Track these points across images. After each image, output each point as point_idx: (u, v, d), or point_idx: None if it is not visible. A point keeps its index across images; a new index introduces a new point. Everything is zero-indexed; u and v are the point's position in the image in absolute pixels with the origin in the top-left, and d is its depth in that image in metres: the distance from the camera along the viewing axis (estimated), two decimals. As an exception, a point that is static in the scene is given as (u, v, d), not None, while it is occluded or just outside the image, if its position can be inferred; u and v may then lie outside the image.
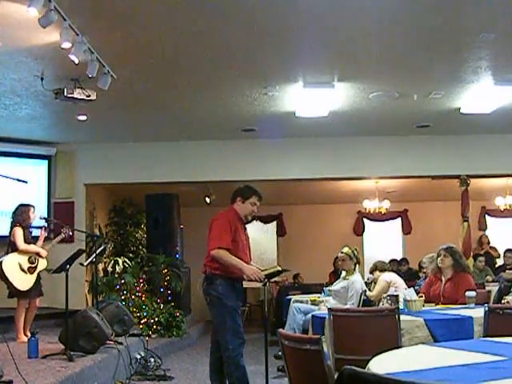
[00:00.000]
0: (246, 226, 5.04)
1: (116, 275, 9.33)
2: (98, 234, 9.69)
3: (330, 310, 4.33)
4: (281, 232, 14.10)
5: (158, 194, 10.23)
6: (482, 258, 9.79)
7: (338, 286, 6.52)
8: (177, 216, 10.55)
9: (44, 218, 7.25)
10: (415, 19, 5.02)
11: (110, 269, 9.71)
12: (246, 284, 5.02)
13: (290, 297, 8.19)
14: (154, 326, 8.26)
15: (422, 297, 5.03)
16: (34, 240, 6.71)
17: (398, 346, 3.83)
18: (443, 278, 5.56)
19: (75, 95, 6.09)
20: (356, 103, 7.37)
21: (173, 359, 7.59)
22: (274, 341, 5.86)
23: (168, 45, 5.48)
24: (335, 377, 1.98)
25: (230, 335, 4.71)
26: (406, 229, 14.04)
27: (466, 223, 9.28)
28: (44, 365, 5.06)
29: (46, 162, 9.14)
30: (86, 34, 4.92)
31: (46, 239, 6.84)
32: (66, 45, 4.78)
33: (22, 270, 6.43)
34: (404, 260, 11.68)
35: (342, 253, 6.49)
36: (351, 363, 1.78)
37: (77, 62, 5.03)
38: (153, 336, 7.99)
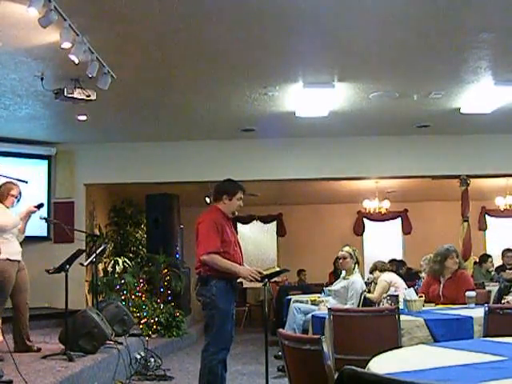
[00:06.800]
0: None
1: (116, 275, 9.32)
2: (97, 233, 9.69)
3: (330, 310, 4.33)
4: (281, 232, 14.09)
5: (158, 194, 10.22)
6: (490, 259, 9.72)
7: (337, 285, 6.53)
8: (177, 216, 10.54)
9: (44, 218, 7.23)
10: (415, 19, 5.02)
11: (110, 269, 9.71)
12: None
13: (289, 297, 8.19)
14: (154, 326, 8.26)
15: (421, 297, 5.04)
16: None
17: (398, 346, 3.83)
18: (442, 279, 5.56)
19: (75, 95, 6.08)
20: (356, 103, 7.37)
21: (173, 359, 7.59)
22: (274, 341, 5.86)
23: (168, 45, 5.47)
24: (335, 377, 1.98)
25: (214, 339, 4.65)
26: (406, 229, 14.04)
27: (465, 223, 9.27)
28: (44, 365, 5.05)
29: (45, 162, 9.13)
30: (86, 34, 4.92)
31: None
32: (66, 45, 4.79)
33: None
34: (401, 262, 11.55)
35: (342, 251, 6.52)
36: (351, 363, 1.78)
37: (77, 61, 5.03)
38: (153, 336, 7.98)
